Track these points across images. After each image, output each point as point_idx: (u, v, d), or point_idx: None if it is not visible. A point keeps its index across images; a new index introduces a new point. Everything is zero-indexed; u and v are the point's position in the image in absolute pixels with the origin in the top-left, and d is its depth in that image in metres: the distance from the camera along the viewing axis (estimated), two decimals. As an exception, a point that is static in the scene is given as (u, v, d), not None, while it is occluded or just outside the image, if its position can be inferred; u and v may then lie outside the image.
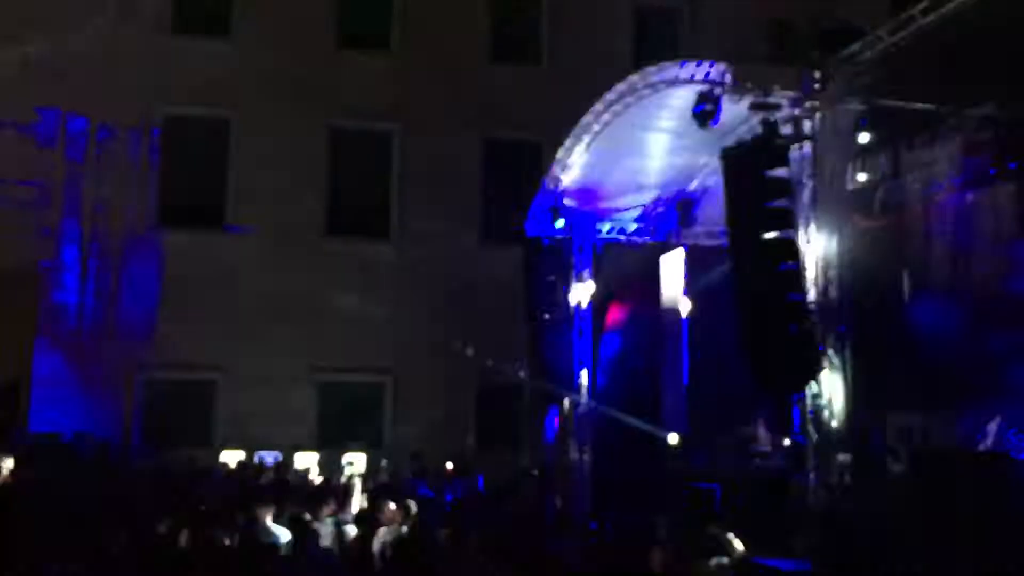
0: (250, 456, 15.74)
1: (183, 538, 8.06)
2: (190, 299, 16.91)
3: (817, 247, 10.45)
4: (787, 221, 10.13)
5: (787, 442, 13.06)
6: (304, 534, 8.13)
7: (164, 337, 16.91)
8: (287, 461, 15.54)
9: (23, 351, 16.55)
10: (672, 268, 15.89)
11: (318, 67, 18.37)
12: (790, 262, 10.07)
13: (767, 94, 10.29)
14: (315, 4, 18.68)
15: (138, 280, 16.97)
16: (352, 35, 18.92)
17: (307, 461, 15.72)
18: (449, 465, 15.08)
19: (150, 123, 17.72)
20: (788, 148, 10.25)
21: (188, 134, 18.17)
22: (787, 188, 10.19)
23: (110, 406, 16.58)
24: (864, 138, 10.37)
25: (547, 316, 15.62)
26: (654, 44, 18.76)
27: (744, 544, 8.42)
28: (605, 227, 15.45)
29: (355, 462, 15.48)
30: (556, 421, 15.97)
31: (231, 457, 15.65)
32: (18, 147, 16.72)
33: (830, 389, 10.21)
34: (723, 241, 10.96)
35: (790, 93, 10.31)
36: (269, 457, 15.72)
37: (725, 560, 8.07)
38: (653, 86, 11.79)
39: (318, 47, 18.53)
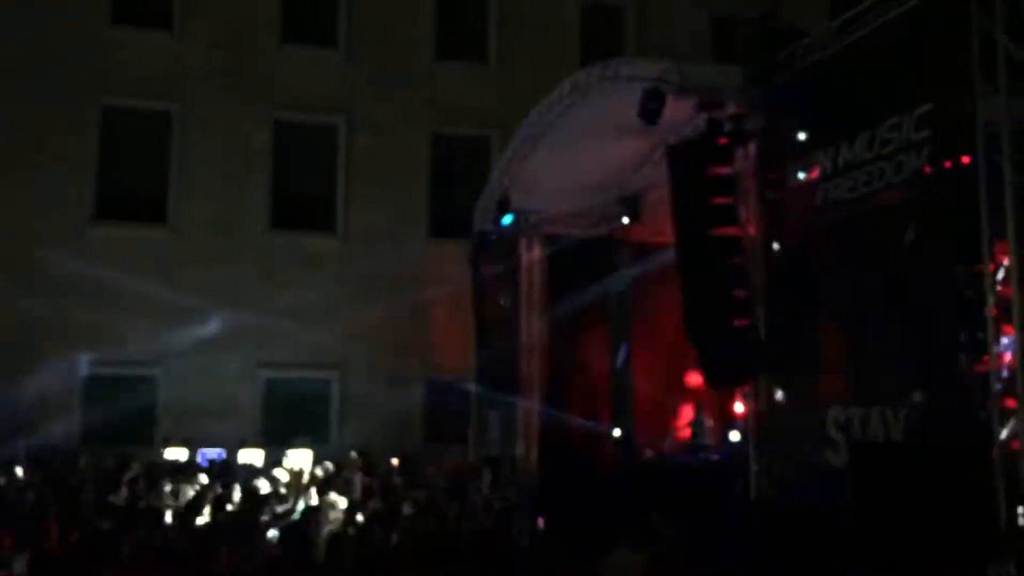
0: (193, 453, 15.53)
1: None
2: (133, 294, 16.61)
3: (760, 243, 10.67)
4: (731, 217, 10.33)
5: (733, 435, 13.36)
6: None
7: (107, 333, 16.59)
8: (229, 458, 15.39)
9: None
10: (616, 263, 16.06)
11: (262, 60, 18.19)
12: (735, 258, 10.27)
13: (712, 93, 10.48)
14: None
15: (79, 275, 16.58)
16: (297, 29, 18.74)
17: (252, 457, 15.56)
18: (394, 461, 15.06)
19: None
20: (732, 146, 10.44)
21: (129, 127, 17.88)
22: (731, 185, 10.39)
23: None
24: (805, 137, 10.58)
25: (495, 310, 15.71)
26: (601, 43, 18.91)
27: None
28: (552, 222, 15.56)
29: (300, 459, 15.39)
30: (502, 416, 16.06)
31: (173, 455, 15.42)
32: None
33: (772, 383, 10.44)
34: (668, 238, 11.11)
35: (734, 92, 10.51)
36: (212, 453, 15.54)
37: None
38: (599, 84, 11.92)
39: (262, 41, 18.33)
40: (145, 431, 16.76)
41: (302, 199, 18.79)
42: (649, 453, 14.18)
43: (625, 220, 14.86)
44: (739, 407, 12.67)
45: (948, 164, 8.59)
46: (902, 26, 9.09)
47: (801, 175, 10.37)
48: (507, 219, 15.21)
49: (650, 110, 10.74)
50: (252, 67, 18.16)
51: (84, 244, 16.98)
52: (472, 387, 16.70)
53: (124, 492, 11.47)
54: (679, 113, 10.91)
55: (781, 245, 10.56)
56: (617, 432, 15.74)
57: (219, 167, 17.88)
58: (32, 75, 16.86)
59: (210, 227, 17.72)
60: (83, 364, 16.81)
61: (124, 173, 17.84)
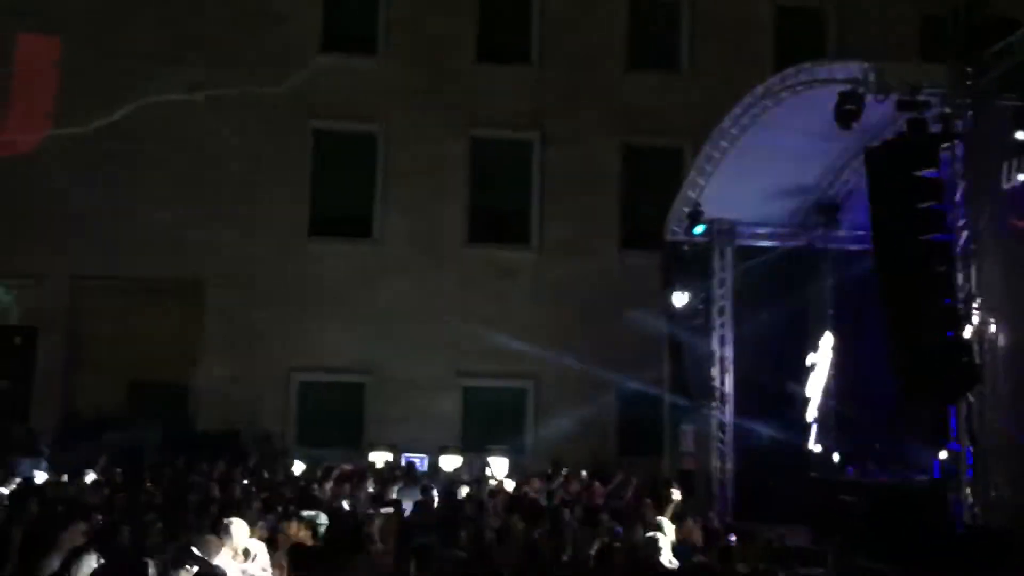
0: (397, 458, 16.20)
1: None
2: (342, 305, 17.63)
3: (972, 250, 10.02)
4: (939, 223, 9.77)
5: (942, 455, 12.54)
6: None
7: (317, 341, 17.68)
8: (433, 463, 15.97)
9: (190, 357, 17.67)
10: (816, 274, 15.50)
11: (460, 79, 18.80)
12: (943, 266, 9.71)
13: (914, 92, 9.95)
14: (459, 21, 19.11)
15: (293, 286, 17.78)
16: (491, 47, 19.25)
17: (452, 463, 16.05)
18: (583, 472, 15.07)
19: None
20: (937, 147, 9.88)
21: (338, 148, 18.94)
22: (938, 189, 9.84)
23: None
24: (1022, 135, 9.85)
25: (689, 322, 15.51)
26: (797, 45, 18.25)
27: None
28: (746, 232, 15.21)
29: (497, 466, 15.75)
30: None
31: (378, 458, 16.14)
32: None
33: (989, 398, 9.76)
34: (869, 245, 10.63)
35: (939, 90, 9.95)
36: (416, 459, 16.14)
37: None
38: (792, 88, 11.60)
39: (458, 60, 18.96)
40: (352, 436, 17.63)
41: (498, 212, 19.25)
42: (851, 472, 13.55)
43: (824, 228, 14.32)
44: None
45: None
46: None
47: (1018, 176, 9.67)
48: (699, 229, 14.98)
49: (846, 112, 10.37)
50: (450, 87, 18.78)
51: (299, 258, 18.10)
52: (666, 398, 16.54)
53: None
54: (879, 115, 10.46)
55: (995, 250, 9.87)
56: (818, 447, 15.17)
57: (420, 183, 18.58)
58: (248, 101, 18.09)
59: (412, 240, 18.44)
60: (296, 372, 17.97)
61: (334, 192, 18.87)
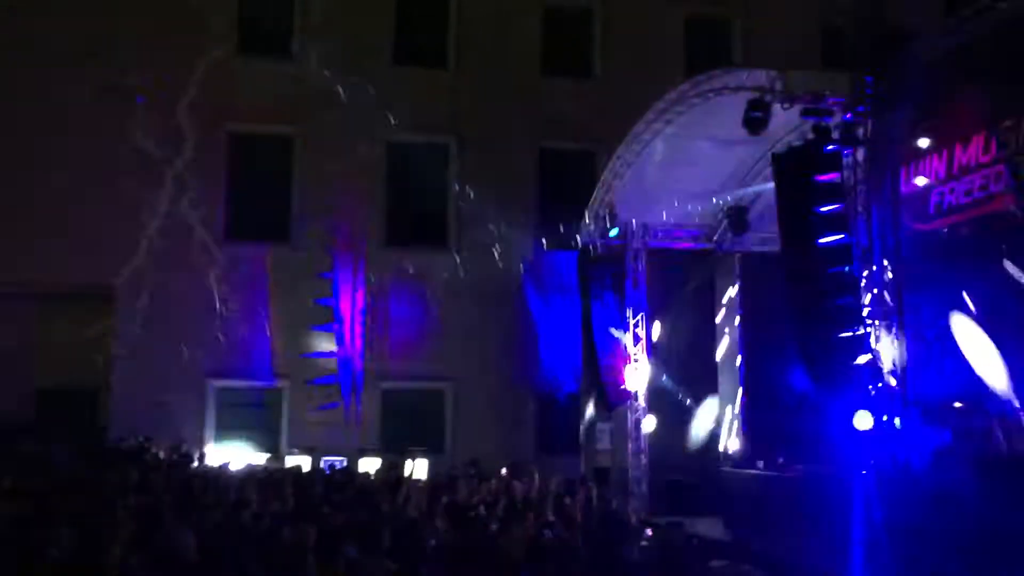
0: (315, 461, 16.09)
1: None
2: (257, 309, 17.44)
3: (870, 251, 10.51)
4: (840, 225, 10.21)
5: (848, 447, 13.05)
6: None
7: (234, 346, 17.46)
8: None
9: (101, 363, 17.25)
10: (725, 275, 16.00)
11: (377, 82, 18.78)
12: (843, 266, 10.14)
13: (818, 100, 10.39)
14: (375, 23, 19.09)
15: (206, 292, 17.49)
16: (408, 51, 19.30)
17: (371, 466, 16.02)
18: (503, 471, 15.25)
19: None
20: (840, 153, 10.33)
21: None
22: (839, 193, 10.27)
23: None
24: (918, 142, 10.39)
25: (603, 323, 15.80)
26: (706, 54, 18.82)
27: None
28: (658, 234, 15.59)
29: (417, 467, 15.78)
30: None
31: (296, 463, 16.01)
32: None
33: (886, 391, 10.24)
34: (776, 247, 11.04)
35: (841, 98, 10.40)
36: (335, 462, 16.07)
37: None
38: (703, 95, 11.95)
39: (375, 63, 18.94)
40: (269, 441, 17.45)
41: (415, 216, 19.29)
42: (760, 465, 14.01)
43: (733, 231, 14.79)
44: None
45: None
46: (1017, 23, 8.86)
47: (913, 180, 10.20)
48: (613, 232, 15.33)
49: (755, 119, 10.73)
50: (367, 89, 18.73)
51: (214, 262, 17.83)
52: (583, 397, 16.84)
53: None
54: (785, 121, 10.87)
55: (892, 252, 10.38)
56: (736, 445, 15.66)
57: (337, 186, 18.51)
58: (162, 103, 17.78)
59: (329, 244, 18.33)
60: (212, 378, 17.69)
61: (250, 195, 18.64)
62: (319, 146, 18.51)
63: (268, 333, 17.58)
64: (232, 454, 15.96)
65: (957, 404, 10.63)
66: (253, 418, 17.74)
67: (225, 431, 17.54)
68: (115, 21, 17.53)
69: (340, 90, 18.27)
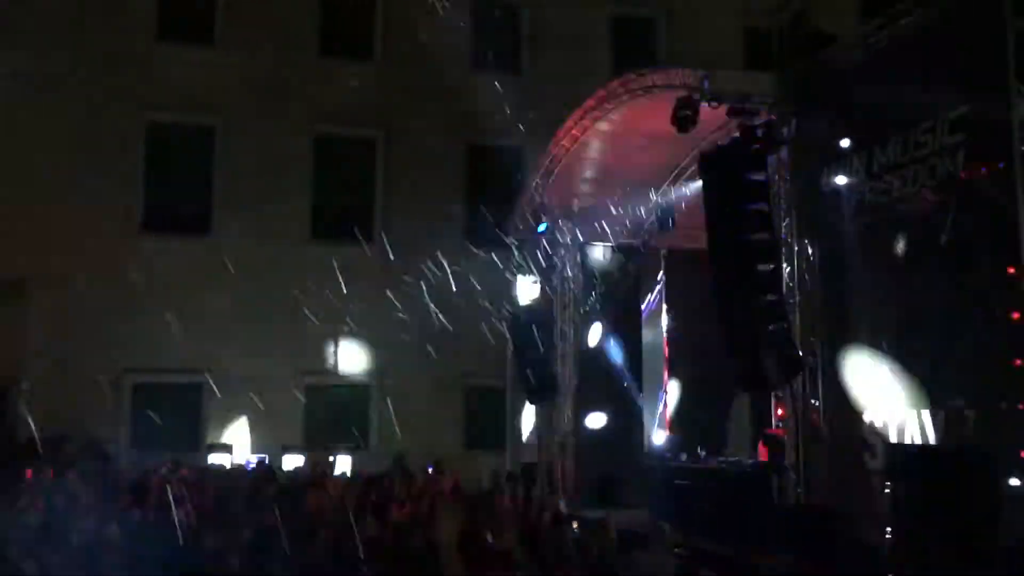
0: (237, 460, 15.83)
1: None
2: (177, 303, 16.97)
3: (794, 248, 10.75)
4: (764, 223, 10.40)
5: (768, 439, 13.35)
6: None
7: (152, 341, 16.98)
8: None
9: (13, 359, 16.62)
10: (651, 271, 16.21)
11: (302, 73, 18.52)
12: (768, 263, 10.34)
13: (744, 100, 10.57)
14: (301, 13, 18.80)
15: (127, 286, 16.96)
16: (335, 42, 19.06)
17: (295, 463, 15.82)
18: (430, 468, 15.21)
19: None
20: (765, 152, 10.52)
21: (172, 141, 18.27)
22: (764, 191, 10.46)
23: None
24: (838, 142, 10.63)
25: (531, 318, 15.86)
26: (632, 54, 19.04)
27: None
28: (586, 231, 15.71)
29: (341, 464, 15.63)
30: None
31: (219, 460, 15.73)
32: None
33: (809, 387, 10.49)
34: (702, 244, 11.20)
35: (766, 98, 10.61)
36: (255, 459, 15.83)
37: None
38: (632, 92, 12.05)
39: (301, 53, 18.66)
40: (190, 438, 17.06)
41: (341, 210, 19.06)
42: (683, 458, 14.23)
43: (659, 228, 14.96)
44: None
45: (983, 168, 8.59)
46: (934, 28, 9.13)
47: (834, 180, 10.42)
48: (542, 227, 15.39)
49: (683, 118, 10.87)
50: (292, 79, 18.46)
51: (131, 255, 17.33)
52: (509, 393, 16.87)
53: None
54: (712, 120, 11.03)
55: (815, 250, 10.62)
56: (661, 438, 15.87)
57: (260, 180, 18.18)
58: (78, 90, 17.22)
59: (252, 237, 18.01)
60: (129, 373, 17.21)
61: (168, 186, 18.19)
62: (241, 137, 18.16)
63: (188, 328, 17.12)
64: (150, 452, 15.57)
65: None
66: (173, 415, 17.28)
67: (143, 428, 17.06)
68: (32, 4, 16.95)
69: (264, 79, 17.98)
